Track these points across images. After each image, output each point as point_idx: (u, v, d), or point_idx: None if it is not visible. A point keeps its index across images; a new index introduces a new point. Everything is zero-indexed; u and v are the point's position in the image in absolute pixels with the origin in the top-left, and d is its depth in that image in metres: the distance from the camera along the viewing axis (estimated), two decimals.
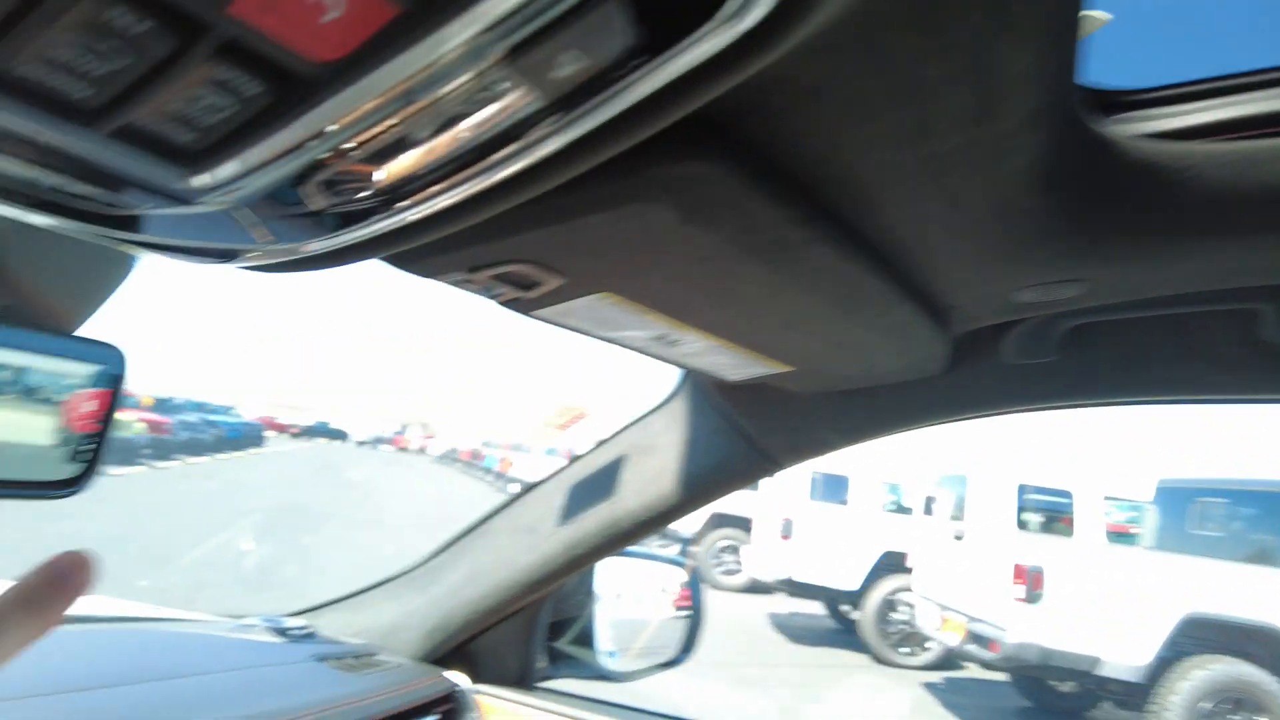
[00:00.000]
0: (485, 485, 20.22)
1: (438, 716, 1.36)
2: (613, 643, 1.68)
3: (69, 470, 0.42)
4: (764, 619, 10.26)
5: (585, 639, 1.67)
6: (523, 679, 1.54)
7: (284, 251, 0.43)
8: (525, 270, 0.55)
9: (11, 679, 1.02)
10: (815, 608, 10.26)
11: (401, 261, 0.54)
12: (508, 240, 0.51)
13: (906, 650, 8.74)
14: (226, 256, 0.45)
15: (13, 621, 0.37)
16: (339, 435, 77.80)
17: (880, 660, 8.71)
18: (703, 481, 1.20)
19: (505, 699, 1.49)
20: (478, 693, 1.49)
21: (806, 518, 9.69)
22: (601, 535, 1.29)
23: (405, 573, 1.54)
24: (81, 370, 0.42)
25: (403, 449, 69.68)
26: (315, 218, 0.41)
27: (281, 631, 1.39)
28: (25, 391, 0.40)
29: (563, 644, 1.64)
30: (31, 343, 0.40)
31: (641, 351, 0.82)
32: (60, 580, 0.39)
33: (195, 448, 25.33)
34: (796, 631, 9.78)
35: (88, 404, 0.42)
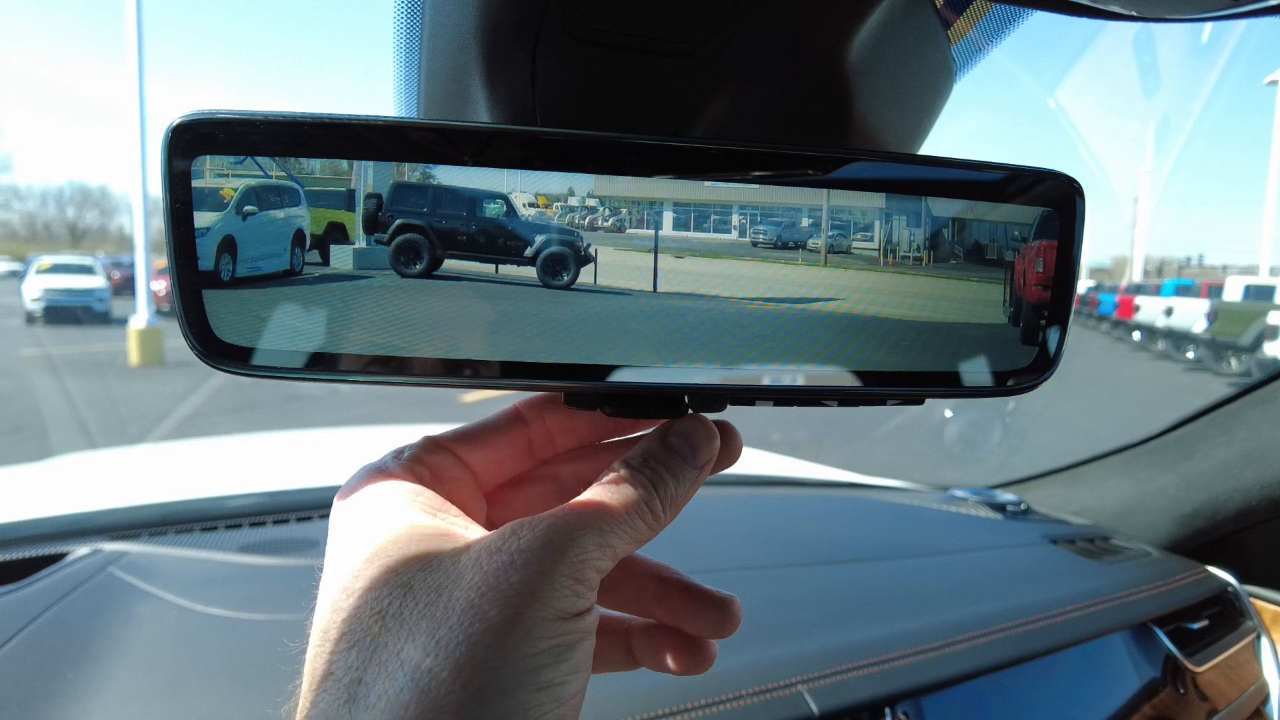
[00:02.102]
0: (1102, 337, 17.76)
1: (1205, 621, 1.10)
2: None
3: (1023, 357, 0.30)
4: None
5: None
6: None
7: None
8: None
9: (737, 550, 1.13)
10: None
11: None
12: None
13: None
14: None
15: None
16: None
17: None
18: None
19: None
20: (1253, 595, 1.17)
21: None
22: None
23: (1132, 446, 1.28)
24: (1021, 216, 0.29)
25: None
26: None
27: (997, 507, 1.28)
28: (972, 250, 0.29)
29: None
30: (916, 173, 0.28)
31: None
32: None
33: None
34: None
35: (1036, 261, 0.29)
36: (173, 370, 9.02)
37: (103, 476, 1.38)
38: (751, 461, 1.62)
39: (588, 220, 0.29)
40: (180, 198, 0.27)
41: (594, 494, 0.30)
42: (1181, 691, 0.96)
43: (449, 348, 0.29)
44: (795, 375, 0.31)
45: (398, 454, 0.33)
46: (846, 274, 0.30)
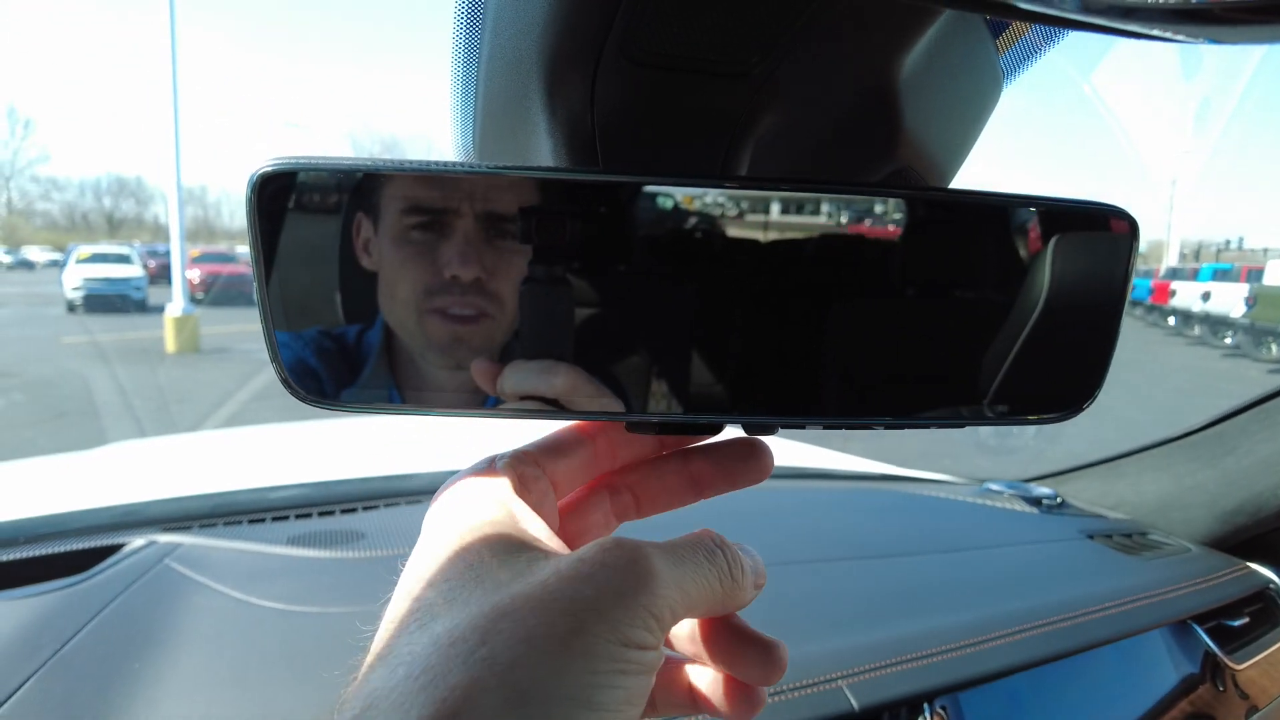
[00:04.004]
0: (1136, 322, 17.43)
1: (1245, 618, 1.10)
2: None
3: (1067, 385, 0.32)
4: None
5: None
6: None
7: None
8: None
9: (773, 544, 1.13)
10: None
11: None
12: None
13: None
14: None
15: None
16: None
17: None
18: None
19: None
20: None
21: None
22: None
23: (1171, 440, 1.27)
24: (1073, 249, 0.31)
25: None
26: None
27: (1033, 500, 1.28)
28: (1022, 281, 0.29)
29: None
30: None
31: None
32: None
33: None
34: None
35: (1084, 293, 0.30)
36: (208, 357, 9.21)
37: (149, 465, 1.42)
38: (785, 453, 1.63)
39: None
40: (269, 244, 0.29)
41: (685, 540, 0.31)
42: (1221, 689, 0.96)
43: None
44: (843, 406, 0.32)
45: (492, 461, 0.34)
46: (901, 305, 0.32)
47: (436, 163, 0.29)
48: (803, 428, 0.33)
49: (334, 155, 0.29)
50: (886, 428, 0.33)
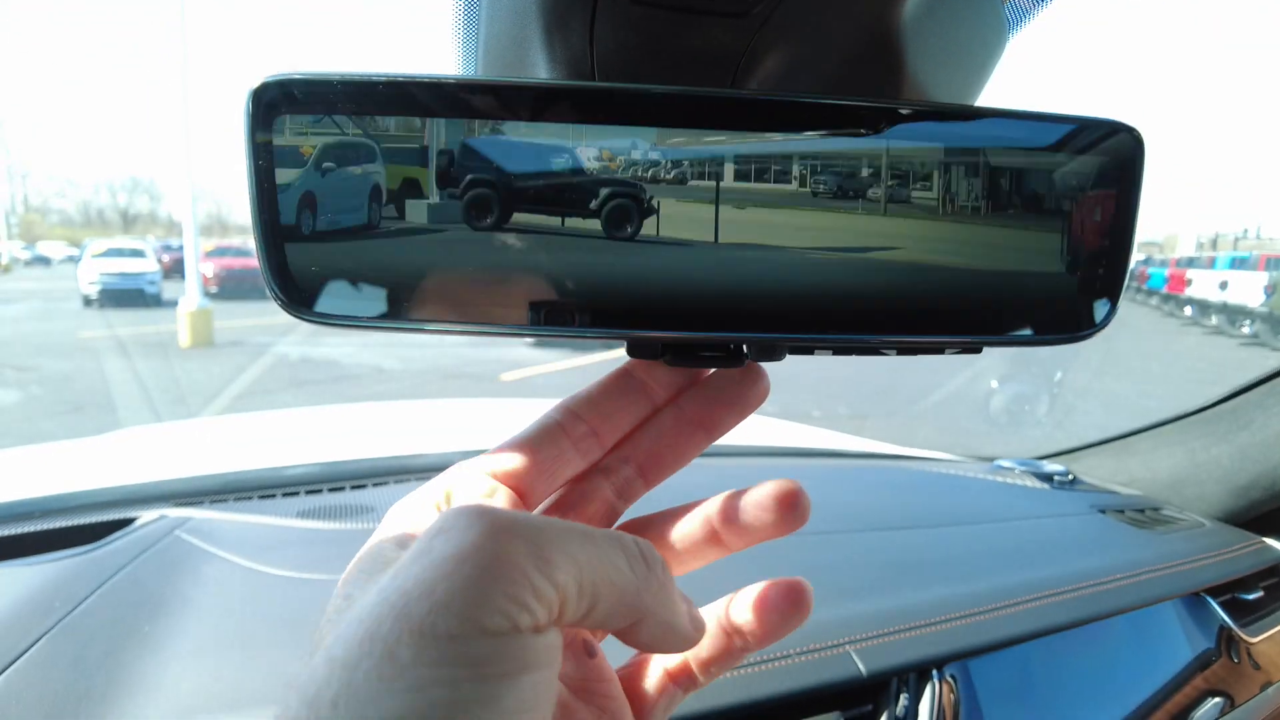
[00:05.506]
0: (1152, 312, 17.24)
1: (1260, 592, 1.08)
2: None
3: (1080, 305, 0.31)
4: None
5: None
6: None
7: None
8: None
9: None
10: None
11: None
12: None
13: None
14: None
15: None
16: None
17: None
18: None
19: None
20: None
21: None
22: None
23: (1185, 416, 1.25)
24: (1080, 166, 0.30)
25: None
26: None
27: (1044, 477, 1.27)
28: (1029, 199, 0.29)
29: None
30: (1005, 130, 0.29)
31: None
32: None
33: None
34: None
35: (1094, 211, 0.30)
36: (222, 351, 9.26)
37: (163, 447, 1.43)
38: (795, 435, 1.62)
39: (650, 173, 0.30)
40: (263, 155, 0.29)
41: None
42: (1235, 661, 0.95)
43: (518, 298, 0.30)
44: (853, 323, 0.31)
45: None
46: (906, 223, 0.31)
47: (449, 77, 0.29)
48: (810, 352, 0.32)
49: (333, 69, 0.28)
50: (899, 352, 0.32)
